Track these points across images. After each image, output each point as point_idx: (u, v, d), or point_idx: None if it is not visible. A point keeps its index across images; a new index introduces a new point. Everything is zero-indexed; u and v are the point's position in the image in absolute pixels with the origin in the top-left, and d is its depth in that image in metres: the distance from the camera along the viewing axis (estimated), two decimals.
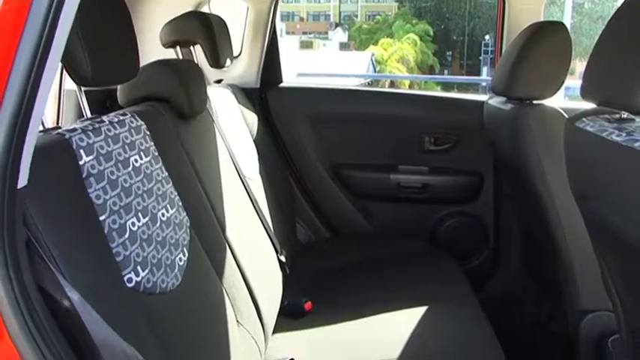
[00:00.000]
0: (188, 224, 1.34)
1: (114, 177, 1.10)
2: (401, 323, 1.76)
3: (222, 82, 2.37)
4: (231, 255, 1.53)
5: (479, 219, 2.58)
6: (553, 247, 1.87)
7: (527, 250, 2.45)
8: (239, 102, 2.25)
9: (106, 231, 1.03)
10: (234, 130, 2.00)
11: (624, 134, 1.08)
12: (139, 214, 1.14)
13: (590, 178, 1.19)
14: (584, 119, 1.28)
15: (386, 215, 2.60)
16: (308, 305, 1.87)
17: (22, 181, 0.82)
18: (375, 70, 19.48)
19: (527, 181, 1.89)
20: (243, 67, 2.53)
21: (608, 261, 1.31)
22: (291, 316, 1.85)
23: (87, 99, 1.22)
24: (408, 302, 1.86)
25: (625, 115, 1.21)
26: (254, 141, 2.24)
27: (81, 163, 1.03)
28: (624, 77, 1.09)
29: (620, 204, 1.07)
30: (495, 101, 2.18)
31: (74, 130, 1.07)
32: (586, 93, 1.22)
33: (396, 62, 20.80)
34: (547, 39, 1.84)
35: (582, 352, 1.85)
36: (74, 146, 1.03)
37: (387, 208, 2.59)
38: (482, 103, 2.39)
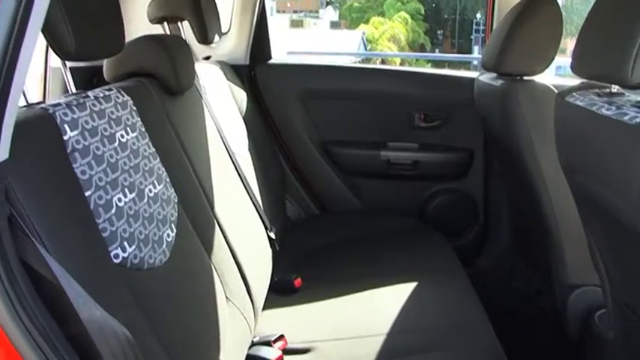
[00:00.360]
0: (176, 200, 1.33)
1: (99, 152, 1.08)
2: (390, 298, 1.76)
3: (211, 59, 2.34)
4: (219, 231, 1.52)
5: (469, 196, 2.58)
6: (542, 222, 1.87)
7: (516, 226, 2.46)
8: (228, 79, 2.23)
9: (91, 207, 1.02)
10: (222, 106, 1.98)
11: (614, 108, 1.07)
12: (126, 190, 1.13)
13: (580, 152, 1.19)
14: (574, 94, 1.27)
15: (375, 192, 2.59)
16: (298, 281, 1.87)
17: (3, 154, 0.81)
18: (365, 49, 19.38)
19: (517, 157, 1.89)
20: (232, 43, 2.50)
21: (596, 235, 1.31)
22: (280, 293, 1.85)
23: (72, 76, 1.20)
24: (398, 278, 1.87)
25: (615, 89, 1.21)
26: (243, 118, 2.22)
27: (65, 138, 1.01)
28: (614, 52, 1.08)
29: (608, 177, 1.07)
30: (486, 77, 2.17)
31: (58, 104, 1.05)
32: (576, 68, 1.21)
33: (387, 41, 20.67)
34: (537, 14, 1.83)
35: (570, 326, 1.87)
36: (58, 121, 1.02)
37: (377, 185, 2.59)
38: (472, 79, 2.38)
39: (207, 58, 2.33)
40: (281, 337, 1.56)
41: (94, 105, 1.13)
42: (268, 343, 1.53)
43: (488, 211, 2.60)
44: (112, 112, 1.18)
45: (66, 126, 1.02)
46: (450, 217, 2.56)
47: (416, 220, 2.44)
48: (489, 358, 1.50)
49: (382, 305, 1.74)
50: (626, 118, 1.00)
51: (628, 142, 0.97)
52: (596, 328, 1.75)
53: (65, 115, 1.03)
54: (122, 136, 1.18)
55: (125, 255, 1.05)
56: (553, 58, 1.87)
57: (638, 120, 0.97)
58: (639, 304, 1.27)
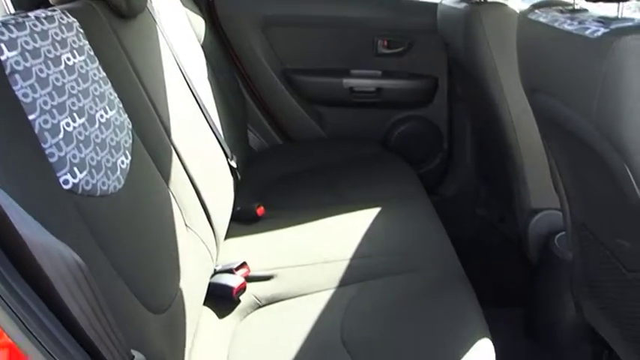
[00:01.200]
0: (130, 127, 1.28)
1: (43, 75, 1.03)
2: (354, 225, 1.76)
3: None
4: (177, 158, 1.48)
5: (433, 123, 2.56)
6: (505, 147, 1.87)
7: (480, 152, 2.46)
8: (184, 4, 2.15)
9: (36, 131, 0.97)
10: (178, 33, 1.91)
11: (576, 23, 1.05)
12: (74, 115, 1.08)
13: (541, 70, 1.17)
14: (536, 11, 1.25)
15: (339, 120, 2.56)
16: (260, 210, 1.86)
17: None
18: None
19: (481, 82, 1.87)
20: None
21: (557, 156, 1.31)
22: (243, 222, 1.84)
23: (19, 3, 1.13)
24: (362, 205, 1.86)
25: (578, 5, 1.19)
26: (202, 46, 2.15)
27: (2, 58, 0.96)
28: None
29: (569, 94, 1.05)
30: (449, 1, 2.12)
31: None
32: None
33: None
34: None
35: (531, 250, 1.90)
36: None
37: (340, 113, 2.56)
38: (436, 4, 2.33)
39: None
40: (243, 264, 1.55)
41: (34, 25, 1.07)
42: (230, 271, 1.52)
43: (452, 138, 2.59)
44: (56, 34, 1.12)
45: (3, 45, 0.96)
46: (413, 144, 2.55)
47: (380, 147, 2.42)
48: (452, 280, 1.51)
49: (346, 232, 1.73)
50: (587, 32, 0.98)
51: (589, 57, 0.95)
52: (556, 250, 1.78)
53: (1, 34, 0.97)
54: (68, 59, 1.12)
55: (75, 181, 1.02)
56: None
57: (599, 34, 0.95)
58: (596, 223, 1.29)
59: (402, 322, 1.37)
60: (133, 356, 0.93)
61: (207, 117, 1.84)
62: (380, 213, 1.81)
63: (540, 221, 1.86)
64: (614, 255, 1.21)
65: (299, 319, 1.41)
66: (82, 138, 1.07)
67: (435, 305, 1.42)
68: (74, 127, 1.06)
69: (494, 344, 1.28)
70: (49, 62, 1.06)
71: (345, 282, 1.52)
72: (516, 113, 1.79)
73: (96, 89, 1.19)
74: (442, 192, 2.60)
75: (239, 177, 1.95)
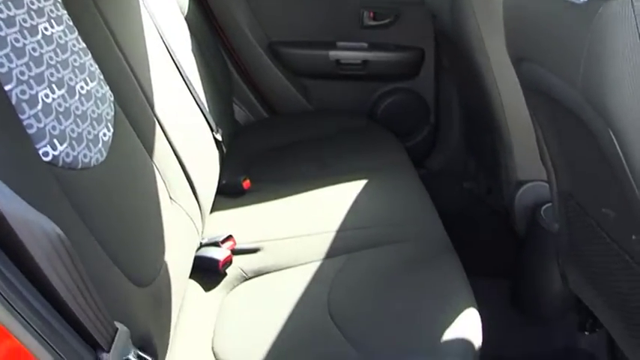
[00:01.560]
0: (112, 99, 1.26)
1: (19, 44, 1.01)
2: (341, 197, 1.75)
3: None
4: (161, 131, 1.46)
5: (419, 95, 2.55)
6: (491, 118, 1.87)
7: (467, 125, 2.46)
8: None
9: (13, 102, 0.95)
10: (161, 5, 1.87)
11: None
12: (53, 86, 1.06)
13: (528, 38, 1.16)
14: None
15: (325, 93, 2.54)
16: (246, 183, 1.85)
17: None
18: None
19: (467, 54, 1.86)
20: None
21: (542, 125, 1.31)
22: (229, 195, 1.83)
23: None
24: (348, 177, 1.85)
25: None
26: (185, 19, 2.12)
27: None
28: None
29: (555, 62, 1.04)
30: None
31: None
32: None
33: None
34: None
35: (517, 222, 1.90)
36: None
37: (326, 85, 2.53)
38: None
39: None
40: (229, 237, 1.54)
41: None
42: (216, 244, 1.51)
43: (439, 111, 2.58)
44: (32, 3, 1.09)
45: None
46: (400, 117, 2.54)
47: (366, 120, 2.41)
48: (439, 251, 1.51)
49: (333, 204, 1.73)
50: None
51: (575, 22, 0.94)
52: (542, 221, 1.78)
53: None
54: (46, 28, 1.10)
55: (56, 153, 1.00)
56: None
57: None
58: (582, 194, 1.29)
59: (388, 294, 1.37)
60: (117, 329, 0.92)
61: (192, 90, 1.82)
62: (367, 185, 1.80)
63: (527, 193, 1.87)
64: (600, 225, 1.21)
65: (286, 291, 1.41)
66: (61, 110, 1.05)
67: (422, 276, 1.42)
68: (53, 99, 1.04)
69: (480, 315, 1.28)
70: (25, 31, 1.04)
71: (331, 254, 1.52)
72: (503, 84, 1.79)
73: (76, 60, 1.16)
74: (429, 165, 2.59)
75: (225, 150, 1.94)
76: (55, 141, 1.01)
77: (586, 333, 1.84)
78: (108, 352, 0.88)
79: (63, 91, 1.08)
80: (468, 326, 1.25)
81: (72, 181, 1.02)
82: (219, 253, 1.47)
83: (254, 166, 2.02)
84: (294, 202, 1.75)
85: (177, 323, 1.29)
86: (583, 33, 0.91)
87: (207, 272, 1.46)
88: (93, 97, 1.18)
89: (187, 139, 1.61)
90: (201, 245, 1.53)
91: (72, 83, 1.12)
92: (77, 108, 1.11)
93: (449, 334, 1.22)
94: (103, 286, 0.96)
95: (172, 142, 1.50)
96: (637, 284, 1.09)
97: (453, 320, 1.25)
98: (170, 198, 1.39)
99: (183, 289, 1.35)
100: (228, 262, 1.48)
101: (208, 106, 1.90)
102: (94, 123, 1.15)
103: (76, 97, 1.12)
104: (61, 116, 1.05)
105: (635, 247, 1.05)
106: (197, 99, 1.83)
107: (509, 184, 1.90)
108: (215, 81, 2.14)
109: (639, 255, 1.05)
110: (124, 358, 0.91)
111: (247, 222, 1.68)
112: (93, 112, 1.16)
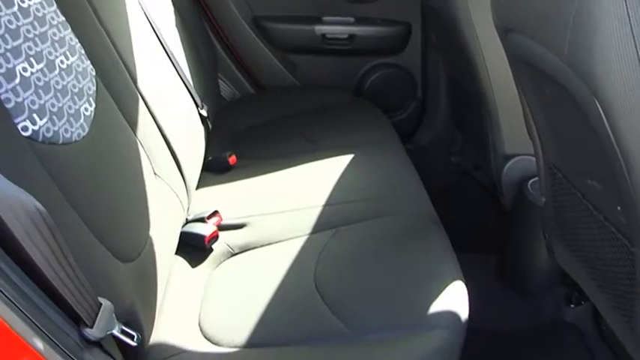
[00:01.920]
0: (93, 73, 1.24)
1: None
2: (328, 172, 1.75)
3: None
4: (144, 106, 1.44)
5: (406, 70, 2.53)
6: (478, 92, 1.86)
7: (454, 100, 2.45)
8: None
9: None
10: None
11: None
12: (32, 60, 1.04)
13: (514, 9, 1.15)
14: None
15: (311, 68, 2.52)
16: (232, 159, 1.83)
17: None
18: None
19: (454, 26, 1.84)
20: None
21: (529, 97, 1.30)
22: (215, 171, 1.82)
23: None
24: (335, 152, 1.85)
25: None
26: None
27: None
28: None
29: (541, 31, 1.03)
30: None
31: None
32: None
33: None
34: None
35: (504, 196, 1.90)
36: None
37: (312, 60, 2.51)
38: None
39: None
40: (215, 213, 1.53)
41: None
42: (202, 220, 1.51)
43: (426, 85, 2.57)
44: None
45: None
46: (387, 92, 2.52)
47: (353, 95, 2.39)
48: (426, 225, 1.51)
49: (319, 179, 1.72)
50: None
51: None
52: (529, 195, 1.78)
53: None
54: (22, 1, 1.07)
55: (35, 128, 0.98)
56: None
57: None
58: (568, 166, 1.28)
59: (375, 268, 1.37)
60: (101, 304, 0.92)
61: (176, 65, 1.80)
62: (353, 160, 1.79)
63: (514, 167, 1.86)
64: (585, 197, 1.21)
65: (272, 266, 1.41)
66: (41, 84, 1.04)
67: (409, 250, 1.42)
68: (32, 73, 1.02)
69: (467, 288, 1.28)
70: (0, 4, 1.01)
71: (317, 228, 1.51)
72: (490, 57, 1.77)
73: (55, 34, 1.14)
74: (416, 140, 2.58)
75: (210, 126, 1.92)
76: (35, 115, 0.99)
77: (572, 306, 1.86)
78: (91, 327, 0.87)
79: (42, 65, 1.06)
80: (454, 299, 1.25)
81: (53, 156, 1.00)
82: (205, 229, 1.46)
83: (240, 141, 2.00)
84: (280, 177, 1.74)
85: (164, 299, 1.28)
86: (569, 3, 0.90)
87: (193, 248, 1.46)
88: (74, 71, 1.16)
89: (172, 115, 1.59)
90: (187, 221, 1.52)
91: (51, 57, 1.10)
92: (57, 82, 1.09)
93: (436, 307, 1.22)
94: (87, 262, 0.95)
95: (156, 118, 1.49)
96: (621, 255, 1.09)
97: (439, 293, 1.26)
98: (155, 174, 1.38)
99: (169, 264, 1.35)
100: (214, 237, 1.47)
101: (193, 82, 1.88)
102: (76, 98, 1.13)
103: (56, 71, 1.10)
104: (40, 90, 1.03)
105: (620, 219, 1.05)
106: (181, 74, 1.81)
107: (496, 158, 1.90)
108: (199, 56, 2.12)
109: (624, 226, 1.05)
110: (108, 332, 0.91)
111: (233, 198, 1.67)
112: (74, 86, 1.14)
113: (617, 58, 0.87)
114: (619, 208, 1.04)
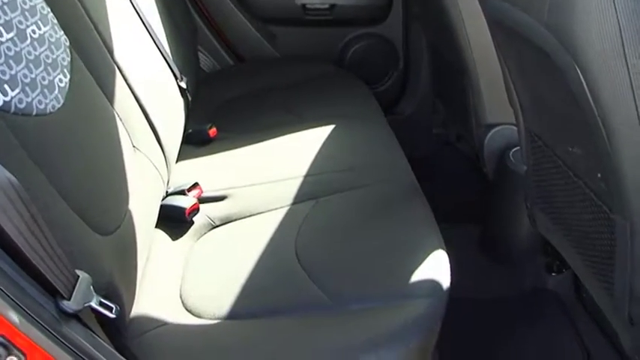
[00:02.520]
0: (67, 44, 1.21)
1: None
2: (309, 143, 1.73)
3: None
4: (122, 78, 1.42)
5: (388, 40, 2.51)
6: (460, 62, 1.85)
7: (436, 70, 2.43)
8: None
9: None
10: None
11: None
12: (0, 29, 1.01)
13: None
14: None
15: (291, 39, 2.48)
16: (213, 131, 1.82)
17: None
18: None
19: None
20: None
21: (509, 63, 1.30)
22: (195, 144, 1.80)
23: None
24: (316, 123, 1.83)
25: None
26: None
27: None
28: None
29: None
30: None
31: None
32: None
33: None
34: None
35: (487, 165, 1.90)
36: None
37: (293, 31, 2.48)
38: None
39: None
40: (196, 185, 1.52)
41: None
42: (182, 192, 1.49)
43: (408, 56, 2.55)
44: None
45: None
46: (368, 63, 2.49)
47: (334, 67, 2.37)
48: (407, 196, 1.50)
49: (300, 150, 1.71)
50: None
51: None
52: (511, 164, 1.79)
53: None
54: None
55: (7, 99, 0.96)
56: None
57: None
58: (549, 133, 1.28)
59: (356, 238, 1.37)
60: (78, 276, 0.91)
61: (154, 37, 1.77)
62: (334, 131, 1.78)
63: (495, 136, 1.87)
64: (566, 164, 1.21)
65: (254, 238, 1.40)
66: (11, 54, 1.01)
67: (390, 220, 1.42)
68: (1, 42, 1.00)
69: (449, 258, 1.28)
70: None
71: (298, 199, 1.50)
72: (471, 25, 1.76)
73: (25, 2, 1.11)
74: (398, 111, 2.57)
75: (190, 98, 1.89)
76: (6, 86, 0.97)
77: (553, 274, 1.88)
78: (68, 299, 0.86)
79: (12, 34, 1.03)
80: (436, 268, 1.25)
81: (27, 128, 0.98)
82: (186, 202, 1.45)
83: (221, 114, 1.98)
84: (260, 149, 1.73)
85: (145, 272, 1.27)
86: None
87: (174, 221, 1.44)
88: (46, 41, 1.13)
89: (150, 87, 1.56)
90: (168, 194, 1.51)
91: (22, 26, 1.07)
92: (29, 52, 1.06)
93: (417, 277, 1.23)
94: (63, 234, 0.94)
95: (134, 90, 1.46)
96: (600, 222, 1.09)
97: (421, 263, 1.26)
98: (133, 146, 1.36)
99: (150, 237, 1.34)
100: (195, 210, 1.46)
101: (172, 54, 1.85)
102: (49, 69, 1.11)
103: (28, 41, 1.07)
104: (11, 60, 1.00)
105: (600, 185, 1.06)
106: (159, 46, 1.78)
107: (478, 128, 1.89)
108: (178, 28, 2.08)
109: (604, 193, 1.06)
110: (86, 305, 0.90)
111: (214, 170, 1.65)
112: (47, 57, 1.12)
113: (597, 22, 0.86)
114: (599, 174, 1.04)
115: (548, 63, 0.98)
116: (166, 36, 1.88)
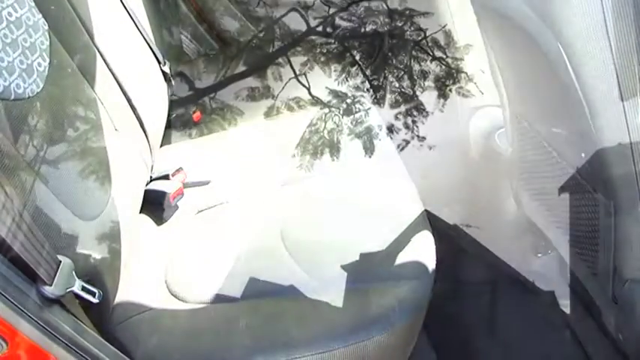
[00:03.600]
0: (46, 27, 1.19)
1: None
2: (296, 127, 1.72)
3: None
4: (102, 62, 1.40)
5: None
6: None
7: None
8: None
9: None
10: None
11: None
12: None
13: None
14: None
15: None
16: (197, 116, 1.80)
17: None
18: None
19: None
20: None
21: (493, 44, 1.29)
22: (179, 128, 1.79)
23: None
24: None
25: None
26: None
27: None
28: None
29: None
30: None
31: None
32: None
33: None
34: None
35: (472, 147, 1.90)
36: None
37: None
38: None
39: None
40: (179, 170, 1.51)
41: None
42: (167, 177, 1.48)
43: None
44: None
45: None
46: None
47: None
48: (392, 177, 1.50)
49: (285, 134, 1.70)
50: None
51: None
52: (496, 146, 1.79)
53: None
54: None
55: None
56: None
57: None
58: (533, 114, 1.28)
59: (342, 220, 1.36)
60: (60, 261, 0.90)
61: (136, 21, 1.74)
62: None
63: (481, 117, 1.87)
64: (550, 145, 1.21)
65: (239, 222, 1.39)
66: None
67: (376, 202, 1.41)
68: None
69: (435, 240, 1.28)
70: None
71: (284, 183, 1.50)
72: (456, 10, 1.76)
73: None
74: None
75: (173, 83, 1.87)
76: None
77: (539, 255, 1.88)
78: (50, 285, 0.85)
79: None
80: (422, 249, 1.25)
81: (5, 112, 0.97)
82: (170, 186, 1.44)
83: (204, 98, 1.97)
84: (245, 130, 1.72)
85: (129, 257, 1.26)
86: None
87: (158, 206, 1.43)
88: (24, 24, 1.11)
89: (132, 71, 1.54)
90: (152, 179, 1.50)
91: None
92: (6, 35, 1.04)
93: (403, 257, 1.23)
94: (45, 220, 0.93)
95: (116, 74, 1.44)
96: (584, 201, 1.10)
97: (407, 243, 1.25)
98: (116, 130, 1.34)
99: (134, 222, 1.33)
100: (179, 194, 1.45)
101: (155, 38, 1.83)
102: (27, 52, 1.09)
103: (4, 23, 1.05)
104: None
105: (584, 165, 1.06)
106: (142, 30, 1.75)
107: (463, 109, 1.89)
108: (160, 11, 2.06)
109: (587, 172, 1.06)
110: (68, 290, 0.89)
111: (198, 155, 1.64)
112: (25, 40, 1.10)
113: (579, 1, 0.86)
114: (583, 154, 1.04)
115: (531, 42, 0.98)
116: (149, 20, 1.86)
